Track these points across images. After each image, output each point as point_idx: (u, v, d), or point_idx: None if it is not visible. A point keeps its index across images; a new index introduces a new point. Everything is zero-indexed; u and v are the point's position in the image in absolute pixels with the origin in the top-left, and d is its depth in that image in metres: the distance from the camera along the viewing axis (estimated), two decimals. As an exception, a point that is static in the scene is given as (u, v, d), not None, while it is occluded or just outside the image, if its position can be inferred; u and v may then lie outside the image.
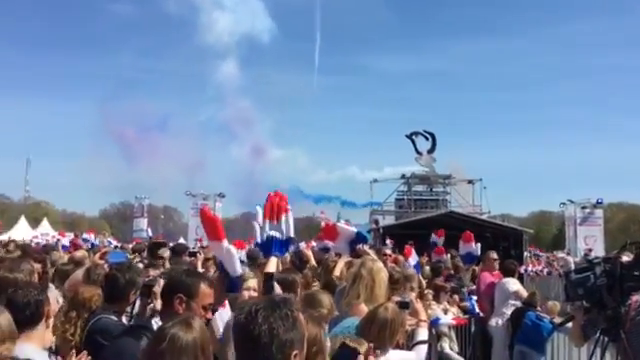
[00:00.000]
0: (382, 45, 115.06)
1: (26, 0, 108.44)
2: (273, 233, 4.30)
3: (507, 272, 9.08)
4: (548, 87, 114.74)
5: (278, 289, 4.59)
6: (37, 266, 5.37)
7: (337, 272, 6.14)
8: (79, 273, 5.20)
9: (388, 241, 16.86)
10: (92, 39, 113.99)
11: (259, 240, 4.35)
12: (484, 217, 30.44)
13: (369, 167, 47.77)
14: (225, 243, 3.68)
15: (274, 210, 4.32)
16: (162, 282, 4.34)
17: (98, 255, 6.94)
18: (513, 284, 8.88)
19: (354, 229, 6.29)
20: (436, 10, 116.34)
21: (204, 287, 3.20)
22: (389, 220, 34.26)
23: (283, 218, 4.32)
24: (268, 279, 4.10)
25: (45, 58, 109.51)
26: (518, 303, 8.54)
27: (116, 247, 16.99)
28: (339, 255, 6.42)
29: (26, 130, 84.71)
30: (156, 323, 3.32)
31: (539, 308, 8.37)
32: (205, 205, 40.25)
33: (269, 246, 4.27)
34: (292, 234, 4.38)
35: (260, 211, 4.38)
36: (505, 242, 24.33)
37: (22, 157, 67.07)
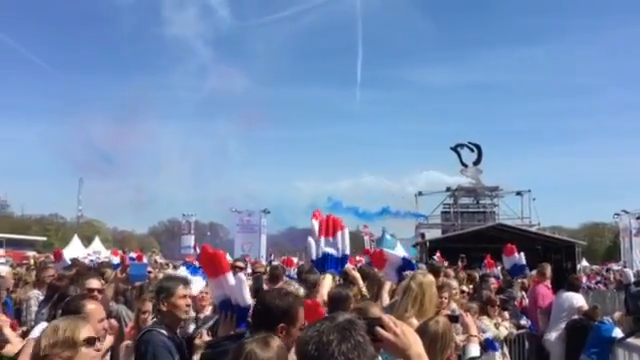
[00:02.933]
0: (423, 57, 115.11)
1: (76, 26, 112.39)
2: (328, 250, 4.25)
3: (571, 287, 8.87)
4: (598, 94, 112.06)
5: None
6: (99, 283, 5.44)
7: (384, 301, 5.96)
8: (107, 291, 5.26)
9: (436, 256, 16.62)
10: (137, 62, 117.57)
11: (314, 257, 4.30)
12: (534, 229, 29.78)
13: (413, 180, 47.41)
14: (230, 275, 3.57)
15: (330, 226, 4.28)
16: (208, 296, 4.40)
17: (119, 270, 7.02)
18: (578, 300, 8.66)
19: (400, 254, 6.10)
20: (477, 20, 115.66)
21: (301, 310, 3.13)
22: (435, 233, 33.92)
23: (339, 234, 4.27)
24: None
25: (97, 81, 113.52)
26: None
27: (167, 264, 17.26)
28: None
29: (78, 150, 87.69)
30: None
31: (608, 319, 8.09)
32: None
33: (324, 263, 4.23)
34: (347, 251, 4.31)
35: (316, 225, 4.33)
36: (557, 254, 23.77)
37: (75, 177, 69.25)
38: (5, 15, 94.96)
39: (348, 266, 7.20)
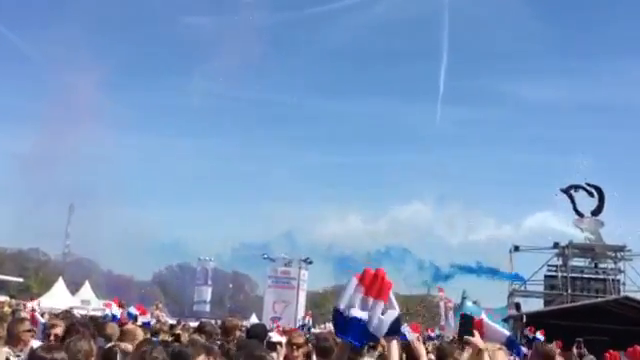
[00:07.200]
0: (528, 66, 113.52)
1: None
2: (360, 314, 4.24)
3: None
4: None
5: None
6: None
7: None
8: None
9: (539, 334, 16.21)
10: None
11: (341, 306, 4.28)
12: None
13: (509, 229, 46.60)
14: None
15: (376, 287, 4.24)
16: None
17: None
18: None
19: (506, 332, 5.96)
20: (605, 22, 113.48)
21: None
22: (535, 304, 33.23)
23: (383, 303, 4.24)
24: None
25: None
26: None
27: (172, 326, 17.45)
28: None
29: (70, 172, 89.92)
30: None
31: None
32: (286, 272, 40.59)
33: (346, 327, 4.20)
34: (381, 333, 4.25)
35: (355, 282, 4.34)
36: None
37: (64, 203, 71.01)
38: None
39: (414, 337, 7.14)
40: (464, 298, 37.40)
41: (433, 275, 44.19)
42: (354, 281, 4.21)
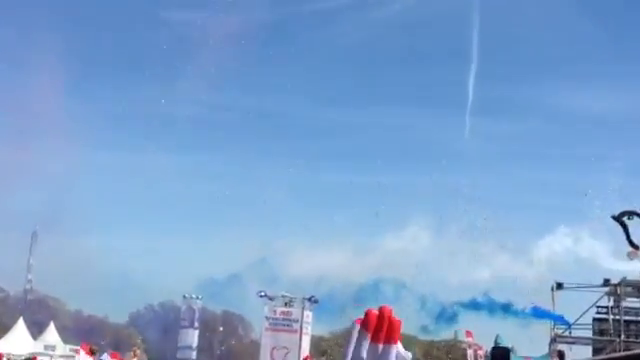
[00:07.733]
0: (574, 71, 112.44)
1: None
2: None
3: None
4: None
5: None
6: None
7: None
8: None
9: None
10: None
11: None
12: None
13: (544, 260, 46.08)
14: None
15: (383, 330, 3.90)
16: None
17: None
18: None
19: None
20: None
21: None
22: (583, 352, 32.68)
23: (396, 347, 3.90)
24: None
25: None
26: None
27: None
28: None
29: (33, 194, 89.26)
30: None
31: None
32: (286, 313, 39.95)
33: None
34: None
35: (358, 329, 4.02)
36: None
37: (26, 231, 70.46)
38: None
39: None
40: (498, 344, 36.70)
41: (437, 316, 43.85)
42: (357, 328, 3.98)
